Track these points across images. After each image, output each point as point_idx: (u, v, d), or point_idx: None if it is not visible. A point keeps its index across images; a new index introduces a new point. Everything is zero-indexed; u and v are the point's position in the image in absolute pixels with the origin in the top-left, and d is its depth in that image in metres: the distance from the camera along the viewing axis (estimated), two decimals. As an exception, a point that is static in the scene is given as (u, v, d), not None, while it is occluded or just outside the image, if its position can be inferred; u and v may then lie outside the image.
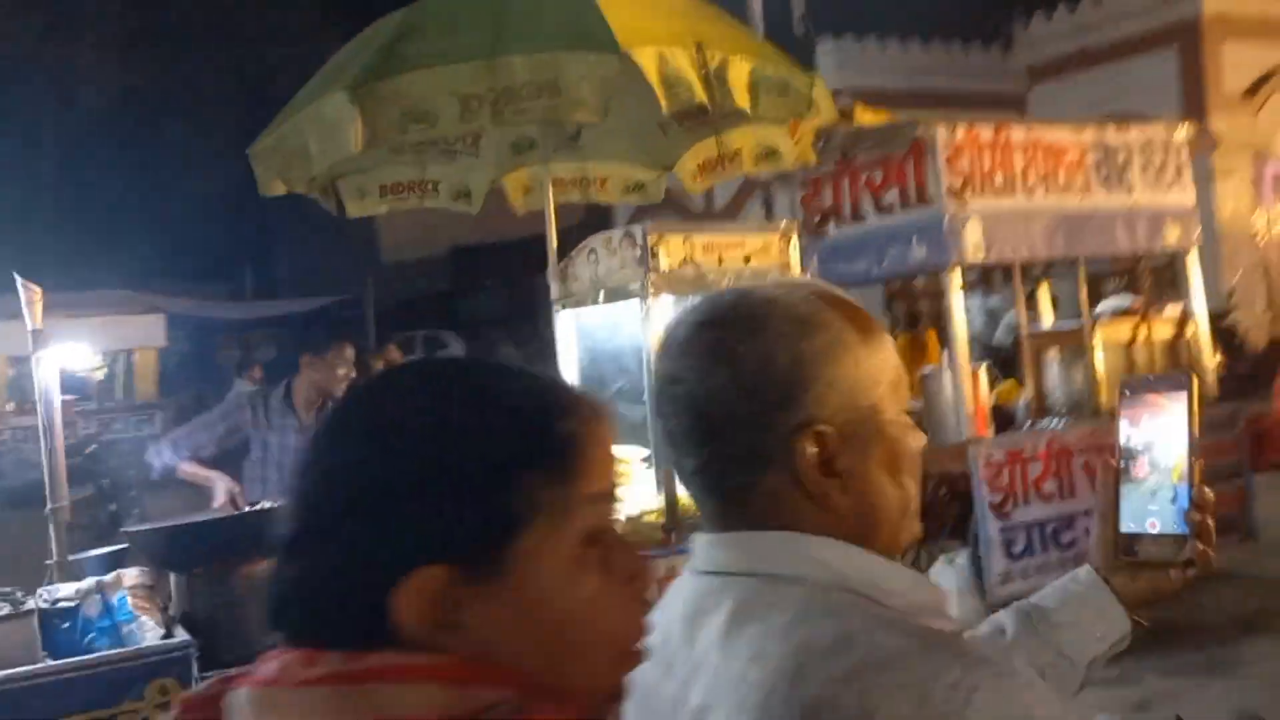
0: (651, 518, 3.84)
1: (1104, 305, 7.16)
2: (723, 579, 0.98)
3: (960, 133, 6.11)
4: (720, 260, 3.99)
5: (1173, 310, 7.03)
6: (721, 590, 0.97)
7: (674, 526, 3.81)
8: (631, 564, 0.78)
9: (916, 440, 1.03)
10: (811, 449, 0.96)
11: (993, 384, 7.24)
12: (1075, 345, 6.62)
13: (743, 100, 3.59)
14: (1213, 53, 16.79)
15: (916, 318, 15.10)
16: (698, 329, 1.01)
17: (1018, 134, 6.30)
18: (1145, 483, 1.11)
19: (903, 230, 6.25)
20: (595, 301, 4.08)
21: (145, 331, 15.21)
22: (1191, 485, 1.08)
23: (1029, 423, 6.33)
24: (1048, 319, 7.77)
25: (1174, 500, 1.09)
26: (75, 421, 14.19)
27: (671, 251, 3.87)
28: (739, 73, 3.61)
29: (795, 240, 4.20)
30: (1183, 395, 1.12)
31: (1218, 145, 7.51)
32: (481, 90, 3.34)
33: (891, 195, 6.33)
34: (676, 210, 22.62)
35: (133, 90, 21.92)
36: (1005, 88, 19.17)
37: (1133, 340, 6.69)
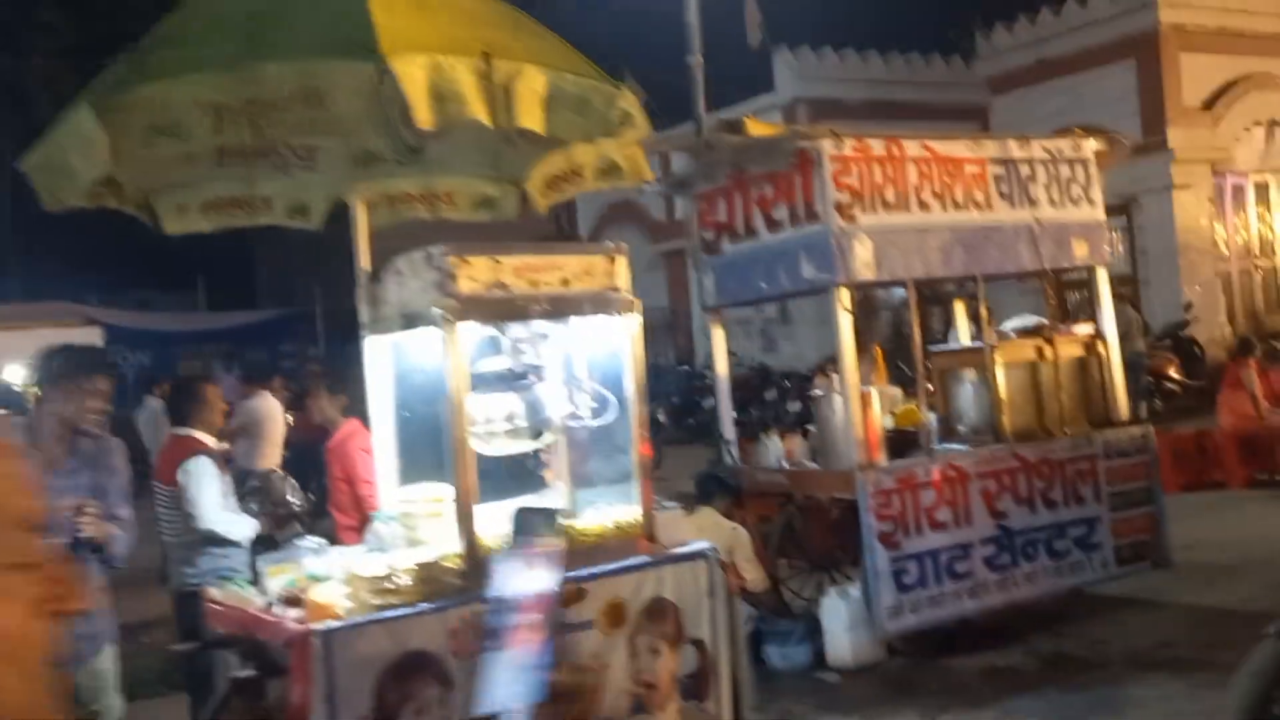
0: (450, 562, 3.56)
1: (1010, 323, 6.90)
2: None
3: (849, 146, 5.85)
4: (535, 284, 3.72)
5: (1082, 329, 6.77)
6: None
7: (473, 571, 3.53)
8: None
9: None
10: None
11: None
12: (979, 365, 6.37)
13: (531, 118, 3.33)
14: (1170, 65, 16.62)
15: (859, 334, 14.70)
16: None
17: (912, 147, 6.05)
18: (514, 654, 0.83)
19: (791, 247, 5.99)
20: (400, 327, 3.82)
21: (80, 346, 14.87)
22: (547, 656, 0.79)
23: (927, 447, 6.07)
24: (964, 337, 7.51)
25: (534, 674, 0.80)
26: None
27: (476, 274, 3.60)
28: (531, 86, 3.36)
29: (623, 262, 3.94)
30: (551, 552, 0.84)
31: (1133, 154, 7.22)
32: (235, 101, 3.09)
33: (782, 211, 6.08)
34: (638, 221, 22.43)
35: (88, 101, 21.73)
36: (966, 99, 19.00)
37: (1038, 360, 6.43)
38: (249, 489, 7.89)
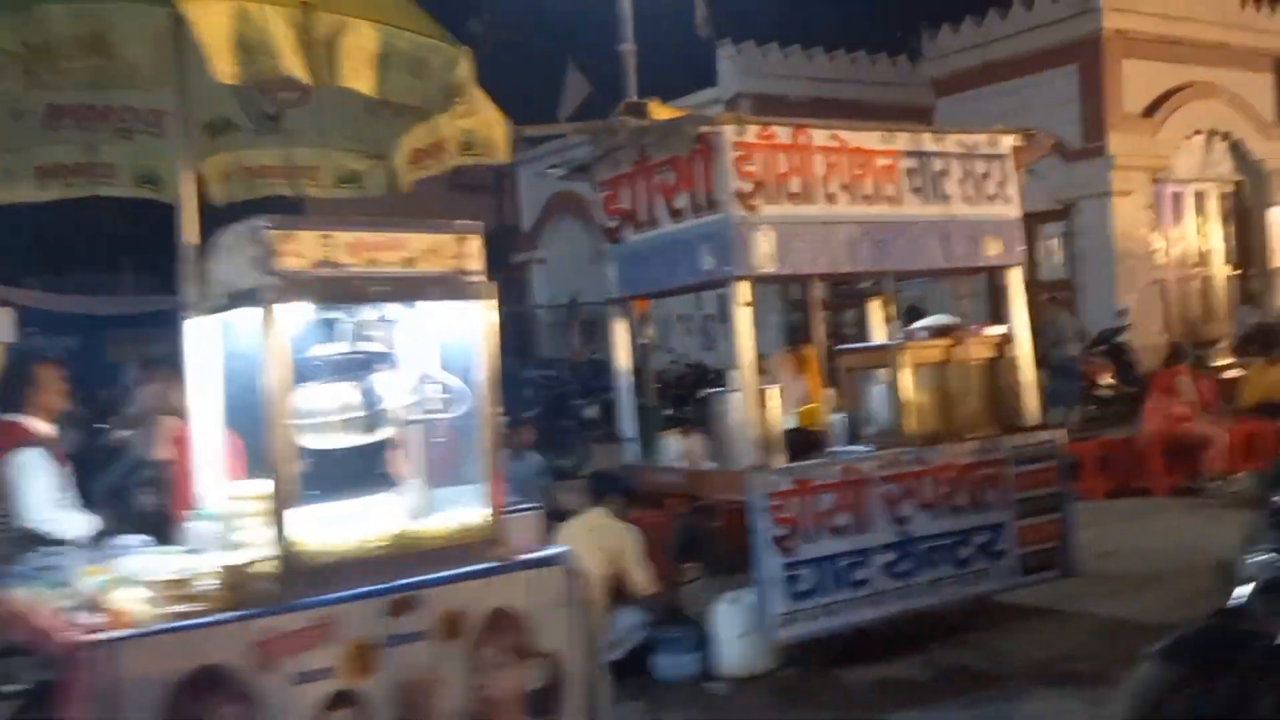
0: (263, 567, 3.24)
1: (922, 323, 6.68)
2: None
3: (752, 133, 5.59)
4: (373, 263, 3.41)
5: (994, 330, 6.56)
6: None
7: (291, 578, 3.22)
8: None
9: None
10: None
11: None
12: (887, 365, 6.14)
13: (359, 77, 3.03)
14: (1112, 70, 16.58)
15: (795, 330, 14.49)
16: None
17: (820, 136, 5.80)
18: None
19: (691, 237, 5.73)
20: (224, 308, 3.49)
21: (-13, 326, 14.28)
22: None
23: (826, 449, 5.83)
24: (879, 335, 7.28)
25: None
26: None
27: (302, 250, 3.28)
28: (359, 42, 3.05)
29: (477, 243, 3.63)
30: None
31: (1048, 152, 7.03)
32: (11, 45, 2.75)
33: (683, 199, 5.81)
34: (581, 214, 22.09)
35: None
36: (912, 99, 18.86)
37: (947, 361, 6.21)
38: (144, 479, 7.47)
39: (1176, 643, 3.43)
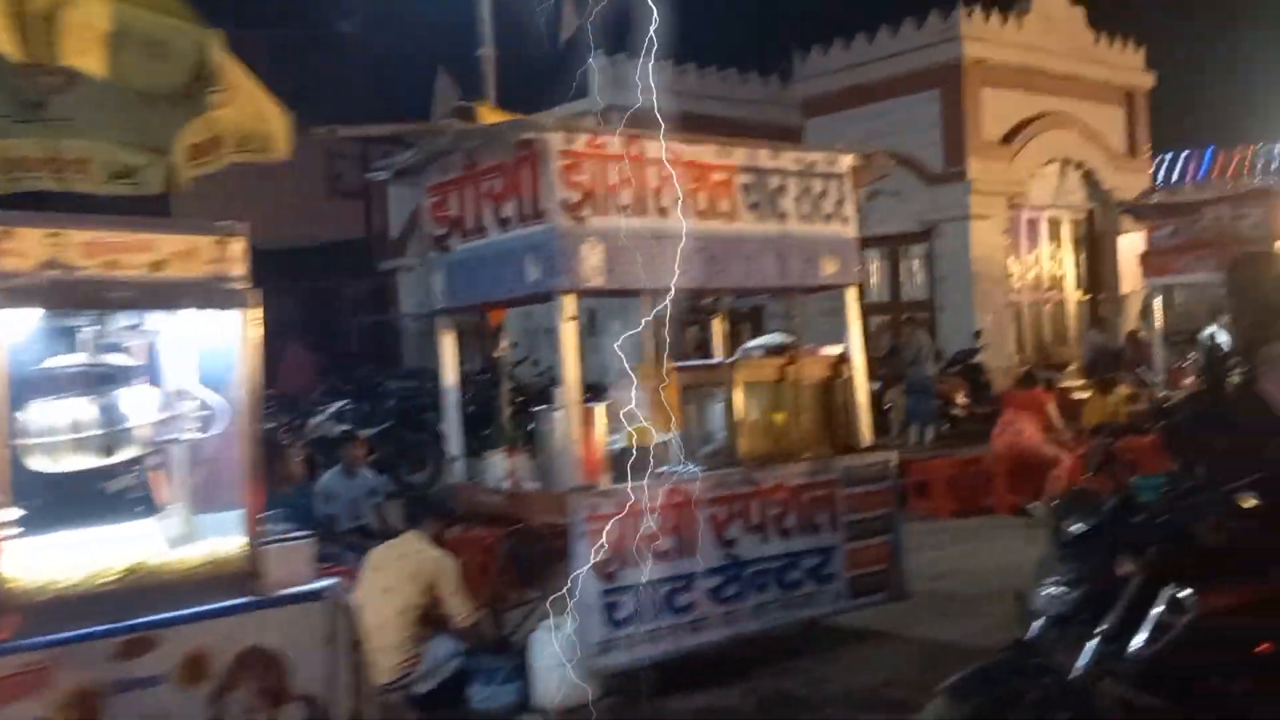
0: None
1: (757, 341, 6.58)
2: None
3: (581, 141, 5.40)
4: (113, 266, 3.07)
5: (829, 350, 6.49)
6: None
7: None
8: None
9: None
10: None
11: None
12: (719, 384, 6.01)
13: (83, 55, 2.72)
14: (972, 97, 17.02)
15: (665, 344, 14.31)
16: None
17: (653, 148, 5.65)
18: None
19: (517, 248, 5.50)
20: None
21: None
22: None
23: (651, 469, 5.65)
24: (720, 354, 7.17)
25: None
26: None
27: (25, 250, 2.94)
28: (86, 18, 2.74)
29: (240, 247, 3.33)
30: None
31: (887, 174, 7.04)
32: None
33: (510, 208, 5.58)
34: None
35: None
36: (782, 119, 19.01)
37: (780, 380, 6.12)
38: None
39: (967, 678, 3.33)
